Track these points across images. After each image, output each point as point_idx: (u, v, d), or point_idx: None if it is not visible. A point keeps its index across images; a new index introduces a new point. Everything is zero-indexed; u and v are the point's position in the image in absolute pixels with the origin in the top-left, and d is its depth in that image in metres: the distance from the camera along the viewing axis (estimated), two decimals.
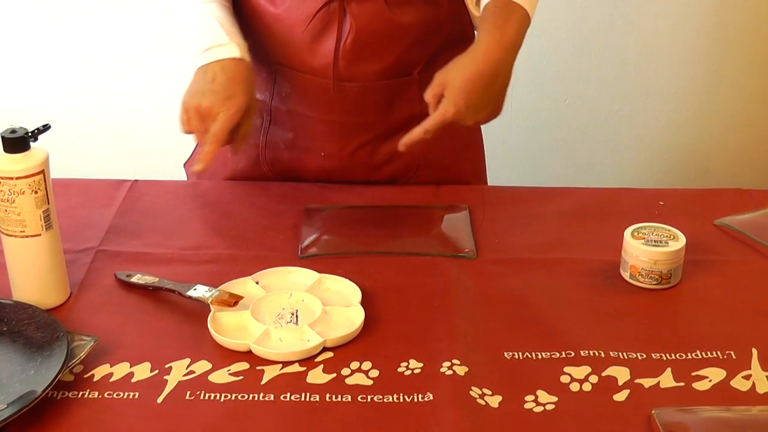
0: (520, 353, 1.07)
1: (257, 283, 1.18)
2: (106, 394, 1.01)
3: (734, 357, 1.07)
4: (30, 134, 1.08)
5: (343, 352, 1.07)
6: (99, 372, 1.04)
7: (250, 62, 1.28)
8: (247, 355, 1.06)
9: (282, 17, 1.35)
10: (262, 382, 1.03)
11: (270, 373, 1.04)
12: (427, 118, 1.23)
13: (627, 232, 1.20)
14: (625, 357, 1.07)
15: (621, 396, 1.01)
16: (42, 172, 1.09)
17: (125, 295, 1.18)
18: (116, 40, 2.35)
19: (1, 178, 1.07)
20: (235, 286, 1.16)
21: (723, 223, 1.33)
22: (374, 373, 1.04)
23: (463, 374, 1.03)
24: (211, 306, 1.12)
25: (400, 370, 1.05)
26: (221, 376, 1.03)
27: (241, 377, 1.03)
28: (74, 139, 2.42)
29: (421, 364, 1.05)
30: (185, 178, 1.56)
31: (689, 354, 1.07)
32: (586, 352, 1.07)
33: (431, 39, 1.37)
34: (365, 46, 1.34)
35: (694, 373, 1.04)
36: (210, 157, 1.22)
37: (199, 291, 1.14)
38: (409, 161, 1.45)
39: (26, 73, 2.41)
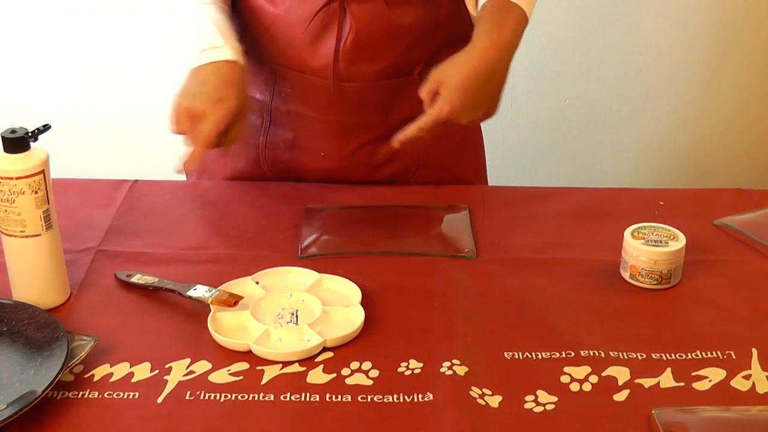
0: (520, 353, 1.07)
1: (257, 283, 1.18)
2: (106, 394, 1.01)
3: (734, 357, 1.07)
4: (30, 134, 1.08)
5: (343, 352, 1.07)
6: (99, 372, 1.04)
7: (244, 65, 1.27)
8: (247, 355, 1.06)
9: (282, 17, 1.35)
10: (262, 382, 1.03)
11: (270, 373, 1.04)
12: (422, 115, 1.23)
13: (627, 232, 1.20)
14: (625, 357, 1.07)
15: (621, 396, 1.01)
16: (42, 172, 1.09)
17: (125, 295, 1.18)
18: (116, 40, 2.35)
19: (1, 178, 1.07)
20: (235, 286, 1.16)
21: (723, 223, 1.33)
22: (374, 373, 1.04)
23: (463, 374, 1.03)
24: (211, 306, 1.12)
25: (400, 370, 1.05)
26: (221, 376, 1.03)
27: (241, 377, 1.03)
28: (74, 139, 2.42)
29: (421, 364, 1.05)
30: (185, 178, 1.56)
31: (689, 354, 1.07)
32: (586, 352, 1.07)
33: (431, 39, 1.37)
34: (365, 47, 1.34)
35: (694, 373, 1.04)
36: (197, 159, 1.22)
37: (199, 291, 1.14)
38: (409, 161, 1.45)
39: (26, 73, 2.41)
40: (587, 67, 2.35)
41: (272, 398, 1.00)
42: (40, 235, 1.11)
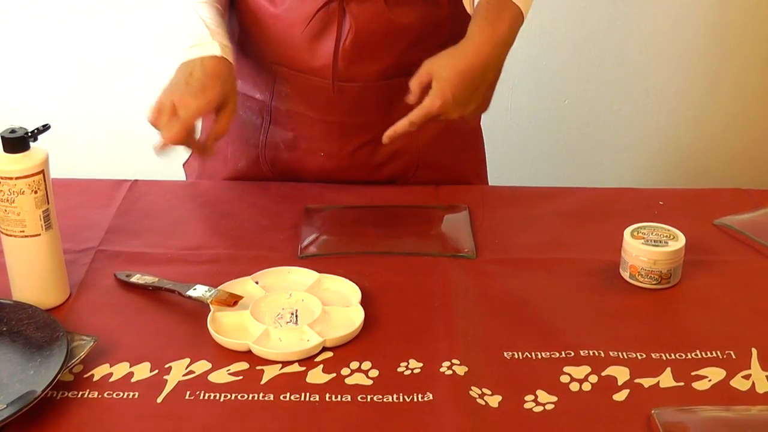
0: (520, 353, 1.07)
1: (257, 283, 1.18)
2: (105, 394, 1.01)
3: (734, 357, 1.07)
4: (30, 134, 1.08)
5: (342, 352, 1.07)
6: (99, 372, 1.04)
7: (231, 63, 1.27)
8: (247, 355, 1.06)
9: (281, 17, 1.35)
10: (262, 382, 1.03)
11: (270, 372, 1.04)
12: (414, 110, 1.23)
13: (627, 232, 1.20)
14: (625, 357, 1.07)
15: (621, 396, 1.01)
16: (42, 172, 1.09)
17: (125, 295, 1.18)
18: (116, 40, 2.35)
19: (1, 178, 1.07)
20: (235, 286, 1.16)
21: (723, 223, 1.33)
22: (374, 372, 1.04)
23: (462, 374, 1.03)
24: (210, 306, 1.12)
25: (399, 369, 1.05)
26: (221, 376, 1.03)
27: (241, 377, 1.03)
28: (74, 139, 2.42)
29: (420, 364, 1.05)
30: (185, 178, 1.56)
31: (689, 354, 1.07)
32: (586, 351, 1.07)
33: (431, 39, 1.37)
34: (365, 47, 1.34)
35: (693, 373, 1.04)
36: (173, 140, 1.19)
37: (199, 291, 1.14)
38: (409, 161, 1.45)
39: (26, 73, 2.41)
40: (587, 67, 2.35)
41: (272, 398, 1.00)
42: (39, 235, 1.11)
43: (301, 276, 1.19)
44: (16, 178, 1.07)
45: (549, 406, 0.99)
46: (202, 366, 1.05)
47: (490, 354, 1.07)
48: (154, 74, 2.33)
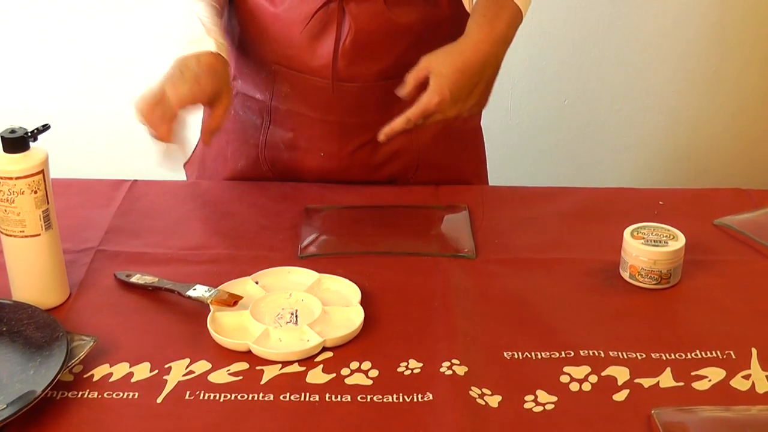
0: (520, 353, 1.07)
1: (257, 283, 1.18)
2: (105, 394, 1.01)
3: (734, 357, 1.07)
4: (29, 134, 1.08)
5: (342, 352, 1.07)
6: (98, 372, 1.04)
7: (226, 59, 1.27)
8: (247, 355, 1.06)
9: (281, 17, 1.35)
10: (262, 382, 1.03)
11: (269, 373, 1.04)
12: (412, 106, 1.23)
13: (627, 232, 1.20)
14: (625, 357, 1.07)
15: (620, 396, 1.01)
16: (41, 172, 1.09)
17: (125, 295, 1.18)
18: (116, 40, 2.35)
19: (1, 178, 1.07)
20: (235, 286, 1.16)
21: (722, 222, 1.33)
22: (374, 373, 1.04)
23: (462, 374, 1.03)
24: (210, 306, 1.12)
25: (399, 370, 1.04)
26: (221, 376, 1.03)
27: (241, 377, 1.03)
28: (74, 139, 2.42)
29: (420, 364, 1.05)
30: (185, 178, 1.56)
31: (689, 354, 1.07)
32: (586, 351, 1.07)
33: (431, 39, 1.37)
34: (364, 47, 1.34)
35: (693, 373, 1.04)
36: (159, 129, 1.17)
37: (199, 291, 1.14)
38: (409, 161, 1.45)
39: (26, 73, 2.41)
40: (587, 67, 2.35)
41: (272, 398, 1.00)
42: (39, 235, 1.11)
43: (301, 276, 1.19)
44: (16, 178, 1.07)
45: (549, 406, 0.99)
46: (202, 366, 1.05)
47: (490, 354, 1.07)
48: (154, 74, 2.35)
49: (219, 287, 1.15)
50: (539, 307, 1.16)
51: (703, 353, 1.07)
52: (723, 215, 1.34)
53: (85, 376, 1.03)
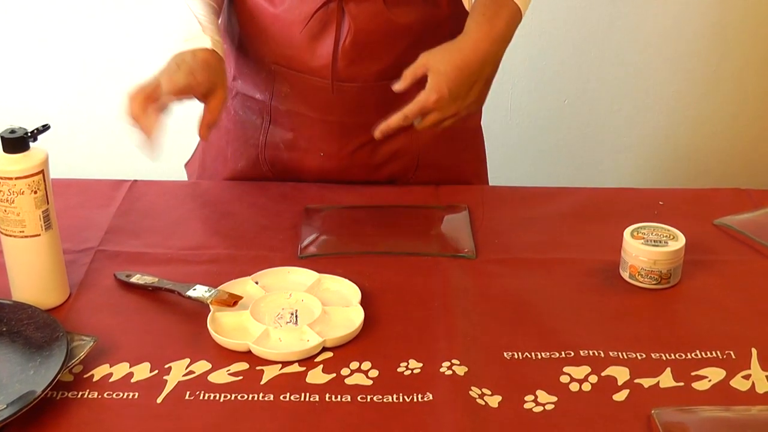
0: (520, 353, 1.07)
1: (257, 283, 1.18)
2: (105, 395, 1.01)
3: (734, 357, 1.07)
4: (29, 134, 1.08)
5: (342, 352, 1.07)
6: (98, 372, 1.04)
7: (221, 57, 1.27)
8: (247, 355, 1.06)
9: (281, 17, 1.35)
10: (262, 382, 1.03)
11: (269, 373, 1.04)
12: (409, 104, 1.23)
13: (626, 232, 1.20)
14: (625, 357, 1.07)
15: (620, 396, 1.01)
16: (41, 172, 1.09)
17: (125, 295, 1.18)
18: (116, 40, 2.35)
19: (1, 178, 1.07)
20: (235, 286, 1.16)
21: (722, 222, 1.33)
22: (374, 373, 1.04)
23: (462, 374, 1.03)
24: (210, 306, 1.12)
25: (399, 370, 1.04)
26: (221, 376, 1.03)
27: (241, 377, 1.03)
28: (74, 139, 2.42)
29: (420, 364, 1.05)
30: (185, 179, 1.56)
31: (689, 354, 1.07)
32: (586, 352, 1.07)
33: (431, 39, 1.37)
34: (364, 47, 1.34)
35: (693, 373, 1.04)
36: (142, 121, 1.16)
37: (199, 291, 1.14)
38: (409, 161, 1.45)
39: (26, 73, 2.41)
40: (587, 67, 2.35)
41: (272, 398, 1.00)
42: (39, 235, 1.11)
43: (300, 276, 1.19)
44: (16, 178, 1.07)
45: (549, 407, 0.99)
46: (202, 366, 1.05)
47: (489, 354, 1.07)
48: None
49: (219, 287, 1.15)
50: (539, 307, 1.16)
51: (703, 353, 1.07)
52: (723, 215, 1.34)
53: (85, 376, 1.03)
